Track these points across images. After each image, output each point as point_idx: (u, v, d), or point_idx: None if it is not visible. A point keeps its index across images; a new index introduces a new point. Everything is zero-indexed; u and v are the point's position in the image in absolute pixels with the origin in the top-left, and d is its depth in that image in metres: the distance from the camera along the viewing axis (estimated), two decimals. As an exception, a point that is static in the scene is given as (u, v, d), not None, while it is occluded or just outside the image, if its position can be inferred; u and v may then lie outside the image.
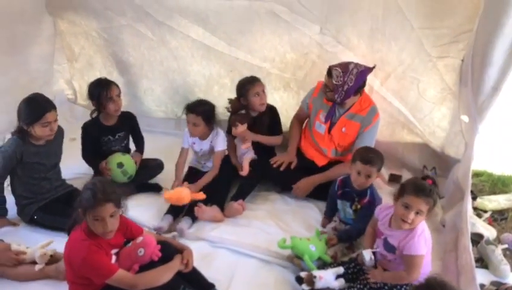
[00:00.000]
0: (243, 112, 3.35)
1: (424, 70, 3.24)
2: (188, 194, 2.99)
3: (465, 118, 3.03)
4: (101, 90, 3.20)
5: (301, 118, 3.56)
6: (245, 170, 3.28)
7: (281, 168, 3.30)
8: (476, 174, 3.63)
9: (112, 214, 2.06)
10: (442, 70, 3.18)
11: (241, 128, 3.28)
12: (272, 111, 3.53)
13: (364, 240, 2.58)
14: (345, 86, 3.02)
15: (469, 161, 2.84)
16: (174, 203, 3.01)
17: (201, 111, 3.21)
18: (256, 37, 3.63)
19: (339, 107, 3.20)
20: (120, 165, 3.23)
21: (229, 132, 3.47)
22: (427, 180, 2.38)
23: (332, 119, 3.22)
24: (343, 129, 3.17)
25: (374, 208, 2.56)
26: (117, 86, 3.31)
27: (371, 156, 2.68)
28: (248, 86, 3.36)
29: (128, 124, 3.47)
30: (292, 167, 3.33)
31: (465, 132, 3.10)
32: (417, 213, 2.16)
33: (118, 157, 3.26)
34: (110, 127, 3.35)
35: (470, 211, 2.77)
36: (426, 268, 2.30)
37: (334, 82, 3.03)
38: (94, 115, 3.36)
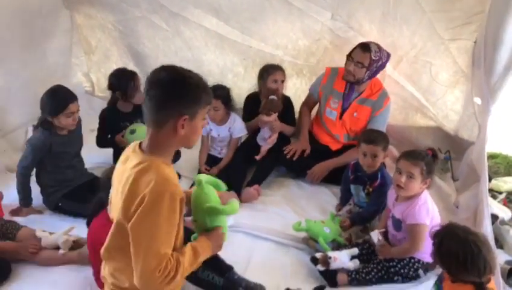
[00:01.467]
0: (274, 97, 3.33)
1: (437, 53, 3.24)
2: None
3: (477, 100, 3.03)
4: (128, 81, 3.26)
5: (310, 105, 3.59)
6: (261, 155, 3.34)
7: (294, 158, 3.32)
8: (491, 156, 3.64)
9: None
10: (455, 52, 3.18)
11: (273, 117, 3.30)
12: (286, 101, 3.56)
13: (380, 221, 2.63)
14: (379, 62, 3.04)
15: (483, 143, 2.84)
16: None
17: (220, 94, 3.28)
18: (269, 24, 3.66)
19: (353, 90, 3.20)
20: (132, 131, 3.29)
21: (245, 119, 3.54)
22: (427, 150, 2.40)
23: (343, 104, 3.24)
24: (355, 114, 3.20)
25: (386, 190, 2.60)
26: (138, 75, 3.38)
27: (374, 136, 2.72)
28: (270, 70, 3.43)
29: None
30: (306, 154, 3.36)
31: (478, 114, 3.10)
32: (410, 177, 2.23)
33: (131, 126, 3.32)
34: (128, 114, 3.41)
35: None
36: None
37: (373, 57, 3.01)
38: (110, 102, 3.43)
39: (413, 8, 3.12)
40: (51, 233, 2.64)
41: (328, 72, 3.34)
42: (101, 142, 3.44)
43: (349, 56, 3.12)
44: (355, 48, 3.11)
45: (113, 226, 1.68)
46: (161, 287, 1.52)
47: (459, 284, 1.82)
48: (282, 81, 3.46)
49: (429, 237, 1.95)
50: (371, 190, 2.77)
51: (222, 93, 3.31)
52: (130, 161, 1.61)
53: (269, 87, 3.38)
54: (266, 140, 3.39)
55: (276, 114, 3.31)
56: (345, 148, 3.33)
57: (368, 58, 3.03)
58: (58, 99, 2.85)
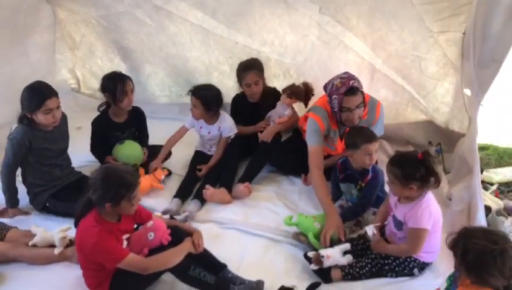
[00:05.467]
0: (301, 86, 3.38)
1: (426, 47, 3.22)
2: (147, 182, 3.08)
3: (467, 92, 3.03)
4: (116, 84, 3.14)
5: (319, 163, 2.95)
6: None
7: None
8: (482, 148, 3.65)
9: None
10: (444, 45, 3.17)
11: (291, 102, 3.40)
12: (274, 94, 3.52)
13: (376, 216, 2.62)
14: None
15: (474, 135, 2.84)
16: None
17: (200, 95, 3.25)
18: (256, 18, 3.61)
19: None
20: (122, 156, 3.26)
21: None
22: (419, 154, 2.19)
23: (340, 132, 3.06)
24: None
25: (377, 183, 2.60)
26: (131, 81, 3.27)
27: (370, 134, 2.66)
28: (242, 74, 3.39)
29: (138, 120, 3.44)
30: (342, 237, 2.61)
31: (468, 106, 3.11)
32: (391, 182, 2.24)
33: (123, 153, 3.27)
34: (120, 124, 3.33)
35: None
36: (435, 246, 2.32)
37: (362, 90, 2.78)
38: (102, 109, 3.33)
39: (401, 2, 3.09)
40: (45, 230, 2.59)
41: (320, 120, 2.96)
42: (96, 154, 3.38)
43: (343, 108, 2.79)
44: (344, 98, 2.73)
45: None
46: None
47: (477, 287, 1.71)
48: (256, 82, 3.39)
49: (447, 247, 1.81)
50: (363, 185, 2.74)
51: (203, 94, 3.26)
52: None
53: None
54: (277, 118, 3.42)
55: (294, 100, 3.38)
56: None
57: (361, 96, 2.78)
58: (35, 95, 2.77)
